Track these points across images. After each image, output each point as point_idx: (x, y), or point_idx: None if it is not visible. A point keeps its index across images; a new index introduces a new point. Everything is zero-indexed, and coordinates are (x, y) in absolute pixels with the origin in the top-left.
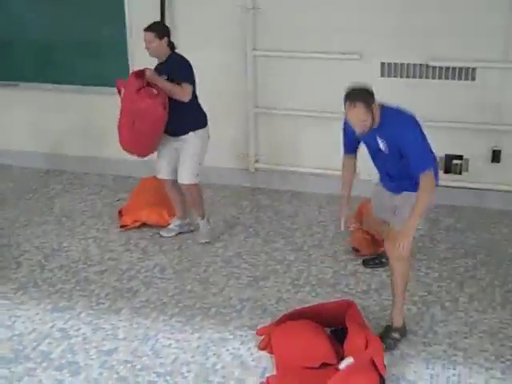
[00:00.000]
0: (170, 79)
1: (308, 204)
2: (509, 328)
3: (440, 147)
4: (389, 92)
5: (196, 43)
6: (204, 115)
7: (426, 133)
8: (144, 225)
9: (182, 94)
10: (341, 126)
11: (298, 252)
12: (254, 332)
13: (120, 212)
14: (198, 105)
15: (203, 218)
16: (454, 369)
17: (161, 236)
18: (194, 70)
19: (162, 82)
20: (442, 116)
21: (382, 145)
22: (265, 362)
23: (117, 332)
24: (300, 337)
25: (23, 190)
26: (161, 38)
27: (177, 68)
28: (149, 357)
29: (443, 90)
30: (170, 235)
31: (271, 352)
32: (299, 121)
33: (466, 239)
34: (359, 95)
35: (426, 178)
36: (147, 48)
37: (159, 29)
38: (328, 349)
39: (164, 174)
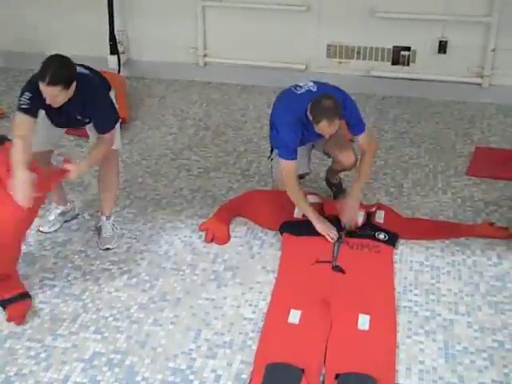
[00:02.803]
0: (86, 117)
1: (257, 97)
2: (449, 210)
3: (388, 39)
4: None
5: None
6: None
7: (376, 25)
8: None
9: (109, 147)
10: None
11: (248, 144)
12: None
13: None
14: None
15: (109, 216)
16: (397, 248)
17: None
18: None
19: (86, 167)
20: (390, 7)
21: None
22: (216, 248)
23: (70, 224)
24: None
25: None
26: (70, 85)
27: (99, 112)
28: None
29: None
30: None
31: (219, 243)
32: (248, 13)
33: (412, 129)
34: (336, 111)
35: (371, 141)
36: (51, 102)
37: (66, 76)
38: None
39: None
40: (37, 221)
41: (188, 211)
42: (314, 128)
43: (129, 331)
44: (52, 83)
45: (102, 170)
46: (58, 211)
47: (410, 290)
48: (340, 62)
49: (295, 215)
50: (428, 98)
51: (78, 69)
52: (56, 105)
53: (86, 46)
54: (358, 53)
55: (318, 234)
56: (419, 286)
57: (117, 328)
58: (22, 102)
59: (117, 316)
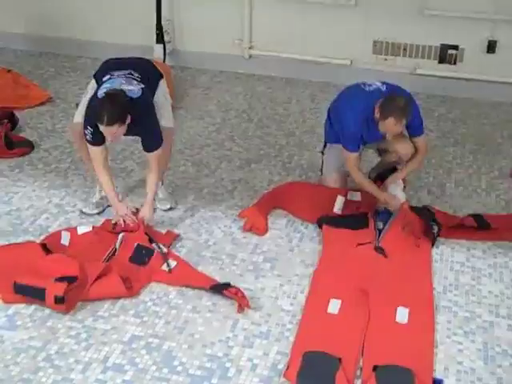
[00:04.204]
0: (134, 134)
1: (301, 91)
2: (491, 212)
3: (436, 37)
4: None
5: None
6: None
7: (424, 22)
8: None
9: (160, 167)
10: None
11: (290, 137)
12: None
13: None
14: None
15: (162, 182)
16: (437, 247)
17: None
18: None
19: (151, 202)
20: (438, 5)
21: None
22: (255, 239)
23: (111, 209)
24: None
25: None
26: (125, 119)
27: (146, 132)
28: None
29: None
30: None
31: (257, 232)
32: (295, 6)
33: (457, 128)
34: (405, 113)
35: (425, 141)
36: (112, 139)
37: (121, 113)
38: None
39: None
40: (80, 203)
41: (228, 202)
42: (378, 127)
43: (167, 317)
44: (110, 124)
45: None
46: (103, 194)
47: (450, 291)
48: (386, 59)
49: (335, 210)
50: (474, 98)
51: (131, 89)
52: (117, 140)
53: (132, 35)
54: (405, 50)
55: (358, 229)
56: (459, 287)
57: (156, 313)
58: (86, 135)
59: (156, 301)
